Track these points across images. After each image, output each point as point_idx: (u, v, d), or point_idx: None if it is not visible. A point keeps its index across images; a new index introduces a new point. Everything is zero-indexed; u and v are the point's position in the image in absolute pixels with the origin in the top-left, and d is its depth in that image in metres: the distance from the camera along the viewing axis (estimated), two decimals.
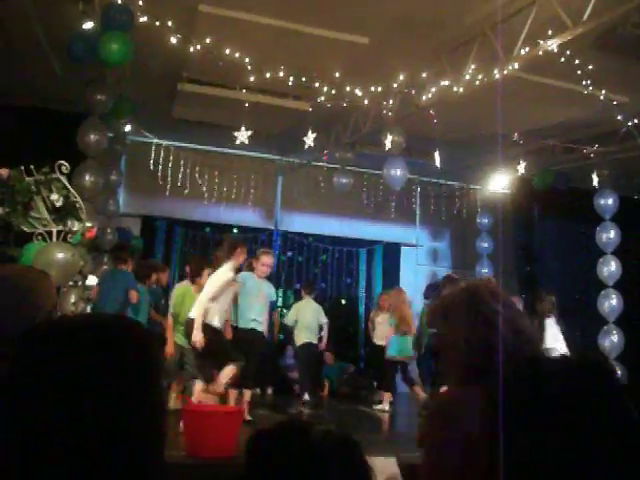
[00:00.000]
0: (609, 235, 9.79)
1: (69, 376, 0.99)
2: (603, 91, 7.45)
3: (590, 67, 6.89)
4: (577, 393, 1.17)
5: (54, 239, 6.05)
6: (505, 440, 1.20)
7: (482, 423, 1.55)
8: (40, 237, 6.10)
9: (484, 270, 12.21)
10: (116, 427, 0.99)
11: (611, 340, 9.54)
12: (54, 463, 0.96)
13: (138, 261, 10.63)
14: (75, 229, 6.06)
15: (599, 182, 9.87)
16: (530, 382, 1.24)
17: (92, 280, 8.56)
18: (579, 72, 6.96)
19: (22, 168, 6.11)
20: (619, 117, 8.19)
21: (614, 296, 9.65)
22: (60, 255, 5.71)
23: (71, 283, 6.36)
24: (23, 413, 0.98)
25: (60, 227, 6.06)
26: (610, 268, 9.70)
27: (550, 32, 6.22)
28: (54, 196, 5.92)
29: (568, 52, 6.54)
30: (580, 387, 1.18)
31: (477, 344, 1.85)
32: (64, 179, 6.15)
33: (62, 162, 6.15)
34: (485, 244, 12.27)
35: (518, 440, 1.19)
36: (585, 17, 5.76)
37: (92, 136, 7.31)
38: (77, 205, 6.11)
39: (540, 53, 6.31)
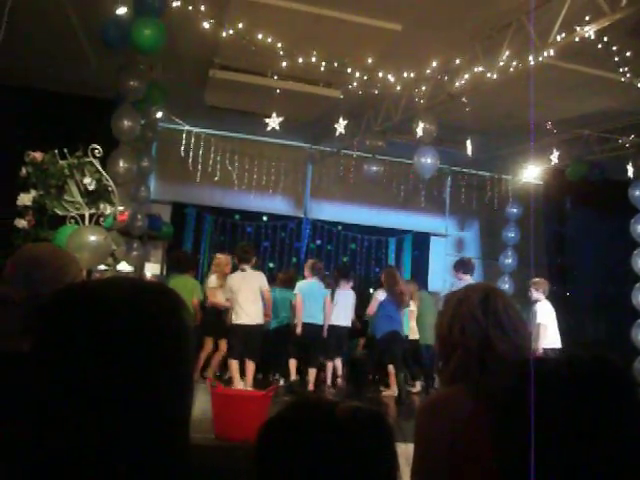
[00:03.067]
0: None
1: (99, 340, 0.96)
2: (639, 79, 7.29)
3: (628, 54, 6.74)
4: (566, 395, 1.14)
5: (86, 222, 6.12)
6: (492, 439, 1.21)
7: (466, 421, 1.56)
8: (73, 220, 6.18)
9: (508, 260, 11.97)
10: (143, 392, 0.96)
11: None
12: (80, 427, 0.93)
13: (172, 249, 10.89)
14: (107, 213, 6.13)
15: (634, 173, 9.68)
16: (513, 385, 1.22)
17: (124, 266, 8.67)
18: (616, 59, 6.81)
19: (56, 152, 6.18)
20: None
21: None
22: (92, 238, 5.77)
23: (103, 267, 6.43)
24: (51, 378, 0.95)
25: (93, 210, 6.13)
26: None
27: (587, 18, 6.11)
28: (87, 180, 5.98)
29: (605, 39, 6.40)
30: (570, 389, 1.15)
31: (473, 345, 1.87)
32: (97, 163, 6.21)
33: (95, 146, 6.21)
34: (512, 234, 12.07)
35: (500, 441, 1.19)
36: (624, 3, 5.65)
37: (125, 122, 7.34)
38: (110, 189, 6.17)
39: (576, 40, 6.21)
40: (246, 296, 7.84)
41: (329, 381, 9.31)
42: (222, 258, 9.34)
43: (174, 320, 1.05)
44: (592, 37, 6.22)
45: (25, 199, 6.12)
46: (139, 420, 0.95)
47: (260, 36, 6.80)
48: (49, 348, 0.98)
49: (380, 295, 9.29)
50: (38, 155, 5.98)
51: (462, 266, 9.63)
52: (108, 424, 0.93)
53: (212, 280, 9.19)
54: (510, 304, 2.00)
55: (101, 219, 6.18)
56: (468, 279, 9.23)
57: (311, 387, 8.84)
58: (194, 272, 9.72)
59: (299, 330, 8.96)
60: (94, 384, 0.93)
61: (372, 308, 9.31)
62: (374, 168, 10.54)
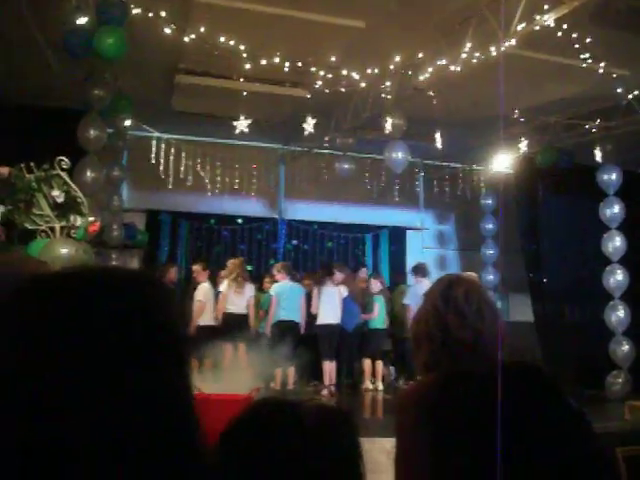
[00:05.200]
0: (613, 210, 9.73)
1: (73, 341, 0.81)
2: (602, 65, 7.38)
3: (588, 41, 6.82)
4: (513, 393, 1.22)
5: (57, 235, 6.06)
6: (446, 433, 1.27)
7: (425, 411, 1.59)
8: (43, 234, 6.12)
9: (490, 251, 12.24)
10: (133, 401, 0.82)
11: (617, 315, 9.51)
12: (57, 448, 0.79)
13: (148, 257, 10.89)
14: (78, 224, 6.08)
15: (602, 157, 9.80)
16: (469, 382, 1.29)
17: None
18: (577, 46, 6.90)
19: (22, 166, 6.12)
20: (619, 90, 8.12)
21: (619, 271, 9.60)
22: (64, 250, 5.72)
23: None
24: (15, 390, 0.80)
25: (63, 223, 6.08)
26: (615, 243, 9.64)
27: (546, 7, 6.18)
28: (55, 192, 5.93)
29: (565, 26, 6.48)
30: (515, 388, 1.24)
31: (438, 334, 1.91)
32: (64, 175, 6.16)
33: (62, 158, 6.16)
34: (490, 225, 12.30)
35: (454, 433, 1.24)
36: None
37: (92, 132, 7.31)
38: (79, 200, 6.12)
39: (537, 28, 6.28)
40: None
41: (326, 382, 9.32)
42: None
43: (164, 314, 0.91)
44: (552, 25, 6.30)
45: None
46: (126, 436, 0.81)
47: (223, 39, 6.79)
48: (9, 355, 0.82)
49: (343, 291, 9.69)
50: (4, 170, 5.91)
51: (418, 271, 10.28)
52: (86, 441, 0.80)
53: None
54: (473, 291, 2.02)
55: (72, 231, 6.12)
56: (425, 282, 9.70)
57: (290, 386, 8.87)
58: (168, 281, 9.70)
59: (268, 330, 9.25)
60: (70, 393, 0.80)
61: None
62: (346, 166, 10.57)
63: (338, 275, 9.90)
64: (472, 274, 11.25)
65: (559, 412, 1.31)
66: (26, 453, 0.78)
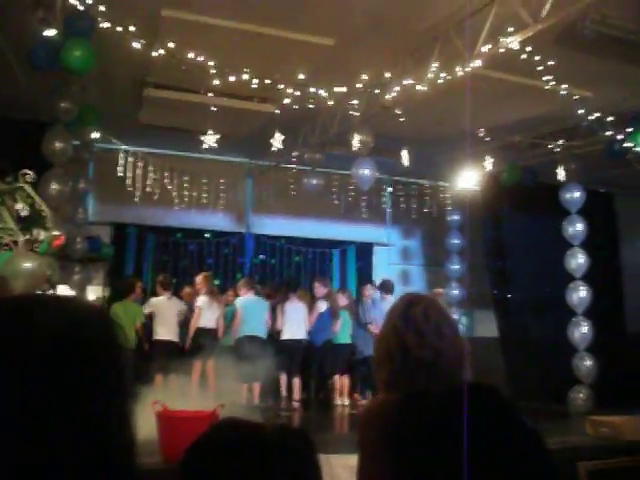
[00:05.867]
0: (576, 228, 9.91)
1: (20, 368, 0.83)
2: (564, 86, 7.55)
3: (551, 63, 6.98)
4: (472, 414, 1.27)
5: (20, 249, 5.98)
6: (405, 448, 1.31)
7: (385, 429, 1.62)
8: (7, 247, 6.04)
9: (454, 267, 12.37)
10: (80, 423, 0.85)
11: (580, 331, 9.66)
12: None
13: (113, 271, 10.81)
14: (41, 238, 6.01)
15: (565, 176, 10.00)
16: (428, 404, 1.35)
17: (63, 290, 8.53)
18: (541, 68, 7.05)
19: None
20: (580, 112, 8.31)
21: (582, 288, 9.76)
22: (26, 265, 5.65)
23: (39, 292, 6.29)
24: None
25: (27, 237, 6.00)
26: (578, 260, 9.82)
27: (511, 29, 6.31)
28: (19, 205, 5.86)
29: (529, 49, 6.61)
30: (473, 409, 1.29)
31: (397, 353, 1.94)
32: (29, 188, 6.10)
33: (26, 171, 6.09)
34: (455, 241, 12.46)
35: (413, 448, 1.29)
36: (544, 14, 5.85)
37: (57, 144, 7.23)
38: (43, 214, 6.06)
39: (501, 50, 6.40)
40: None
41: (287, 397, 9.32)
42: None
43: (111, 346, 0.96)
44: (516, 47, 6.43)
45: None
46: (77, 453, 0.85)
47: (191, 55, 6.80)
48: None
49: (322, 306, 9.57)
50: None
51: (382, 287, 10.79)
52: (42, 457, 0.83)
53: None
54: (433, 309, 2.05)
55: (35, 245, 6.05)
56: (390, 298, 10.18)
57: (256, 401, 8.84)
58: (134, 297, 9.64)
59: (232, 343, 9.32)
60: (19, 418, 0.82)
61: (312, 319, 9.63)
62: (314, 181, 10.62)
63: (321, 289, 9.99)
64: (439, 290, 11.42)
65: (514, 431, 1.35)
66: None
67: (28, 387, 0.83)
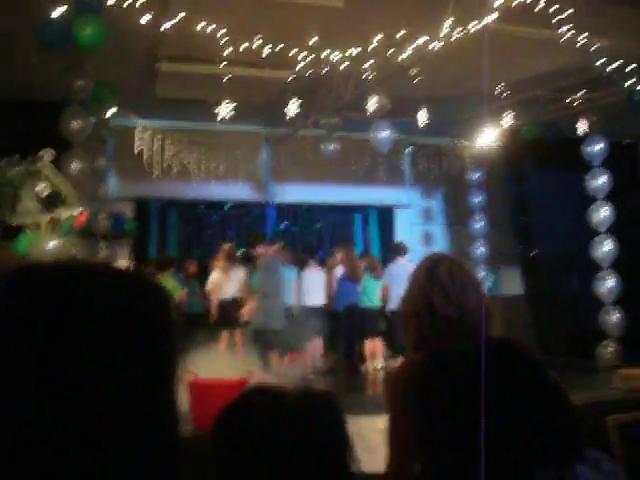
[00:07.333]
0: (599, 182, 9.77)
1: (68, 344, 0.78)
2: (583, 36, 7.37)
3: (567, 13, 6.81)
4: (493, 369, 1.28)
5: (43, 229, 6.05)
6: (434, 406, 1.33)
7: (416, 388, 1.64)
8: (30, 228, 6.10)
9: (477, 225, 12.25)
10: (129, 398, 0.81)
11: (606, 286, 9.58)
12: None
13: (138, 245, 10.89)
14: (64, 217, 6.07)
15: (587, 129, 9.82)
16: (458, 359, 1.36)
17: None
18: (558, 18, 6.88)
19: (5, 161, 6.09)
20: (600, 62, 8.12)
21: (607, 242, 9.65)
22: (51, 244, 5.72)
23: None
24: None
25: (48, 217, 6.06)
26: (602, 214, 9.69)
27: None
28: (39, 187, 5.91)
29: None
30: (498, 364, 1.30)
31: (424, 313, 1.94)
32: (48, 168, 6.14)
33: (46, 150, 6.13)
34: (477, 199, 12.30)
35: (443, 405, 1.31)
36: None
37: (75, 123, 7.26)
38: (64, 193, 6.11)
39: (516, 2, 6.26)
40: None
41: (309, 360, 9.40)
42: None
43: (163, 318, 0.89)
44: None
45: None
46: (124, 426, 0.81)
47: (201, 25, 6.75)
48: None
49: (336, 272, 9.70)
50: None
51: (395, 250, 10.63)
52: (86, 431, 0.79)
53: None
54: (457, 269, 2.05)
55: (58, 225, 6.11)
56: (402, 260, 10.08)
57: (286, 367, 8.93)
58: (171, 271, 9.67)
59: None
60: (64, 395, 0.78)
61: (332, 285, 9.79)
62: (331, 146, 10.55)
63: (336, 257, 10.03)
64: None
65: (540, 386, 1.37)
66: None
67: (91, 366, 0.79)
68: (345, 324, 9.80)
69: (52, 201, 6.01)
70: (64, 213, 6.04)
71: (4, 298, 0.82)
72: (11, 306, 0.80)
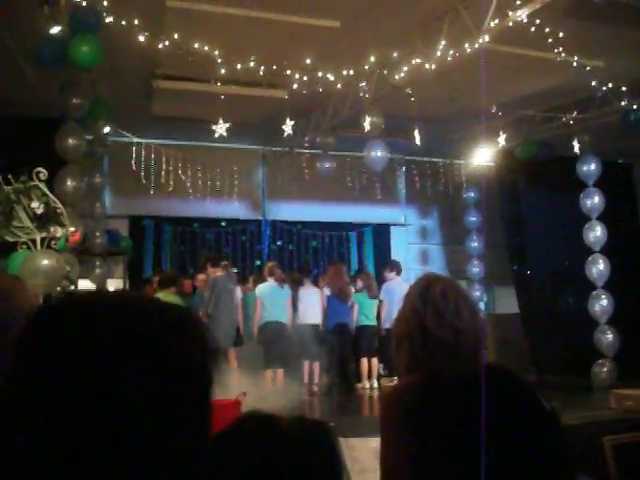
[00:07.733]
0: (593, 201, 9.80)
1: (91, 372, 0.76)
2: (576, 57, 7.44)
3: (561, 34, 6.88)
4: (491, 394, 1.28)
5: (38, 247, 6.04)
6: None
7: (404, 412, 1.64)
8: (24, 246, 6.09)
9: (474, 244, 12.31)
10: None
11: (600, 305, 9.59)
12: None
13: (133, 263, 10.86)
14: (58, 235, 6.05)
15: (581, 149, 9.88)
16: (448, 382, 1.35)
17: (84, 285, 8.61)
18: (550, 40, 6.95)
19: (0, 178, 6.09)
20: (593, 83, 8.19)
21: (601, 261, 9.67)
22: (45, 262, 5.71)
23: (59, 289, 6.36)
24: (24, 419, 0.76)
25: (43, 234, 6.05)
26: (596, 233, 9.72)
27: (519, 2, 6.23)
28: (34, 204, 5.90)
29: (538, 21, 6.53)
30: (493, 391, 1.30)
31: (417, 334, 1.93)
32: (43, 186, 6.13)
33: (40, 169, 6.13)
34: (473, 218, 12.38)
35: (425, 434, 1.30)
36: None
37: (70, 141, 7.26)
38: (58, 211, 6.10)
39: (510, 24, 6.32)
40: None
41: (306, 380, 9.35)
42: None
43: (199, 353, 0.88)
44: (525, 20, 6.35)
45: None
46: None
47: (197, 45, 6.79)
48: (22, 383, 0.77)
49: (326, 291, 9.79)
50: None
51: (391, 267, 10.49)
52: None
53: None
54: (451, 289, 2.05)
55: (53, 242, 6.10)
56: (398, 279, 10.14)
57: (279, 386, 8.89)
58: (175, 289, 9.58)
59: (255, 331, 9.25)
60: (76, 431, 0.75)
61: (323, 304, 9.82)
62: (327, 164, 10.59)
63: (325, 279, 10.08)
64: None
65: (532, 413, 1.36)
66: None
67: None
68: (335, 343, 9.76)
69: (47, 219, 6.00)
70: (59, 231, 6.03)
71: (49, 331, 0.80)
72: (58, 339, 0.78)
